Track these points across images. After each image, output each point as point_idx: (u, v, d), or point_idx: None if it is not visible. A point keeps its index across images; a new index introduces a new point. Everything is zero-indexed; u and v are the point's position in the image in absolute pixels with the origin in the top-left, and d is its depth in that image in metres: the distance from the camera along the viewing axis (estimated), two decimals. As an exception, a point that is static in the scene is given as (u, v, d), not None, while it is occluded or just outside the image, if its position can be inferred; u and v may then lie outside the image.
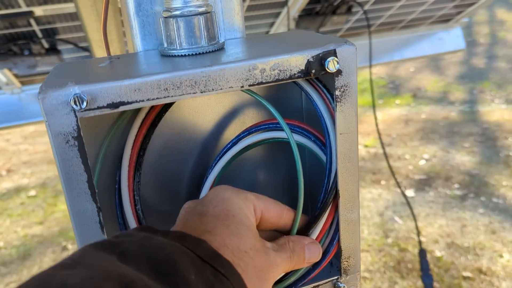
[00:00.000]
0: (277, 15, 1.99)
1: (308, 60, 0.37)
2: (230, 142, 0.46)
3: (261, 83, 0.36)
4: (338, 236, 0.42)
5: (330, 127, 0.41)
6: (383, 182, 3.65)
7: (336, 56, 0.37)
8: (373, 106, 2.33)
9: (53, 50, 1.76)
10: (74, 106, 0.31)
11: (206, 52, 0.40)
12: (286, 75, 0.37)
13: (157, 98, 0.34)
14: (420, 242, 2.40)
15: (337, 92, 0.38)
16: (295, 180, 0.43)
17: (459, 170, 3.83)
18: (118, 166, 0.44)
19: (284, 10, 1.93)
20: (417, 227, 2.25)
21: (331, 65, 0.37)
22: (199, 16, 0.40)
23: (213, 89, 0.35)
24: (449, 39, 2.77)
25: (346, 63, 0.38)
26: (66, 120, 0.32)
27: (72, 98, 0.31)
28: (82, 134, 0.32)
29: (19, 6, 1.40)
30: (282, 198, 0.55)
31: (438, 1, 2.27)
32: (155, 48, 0.45)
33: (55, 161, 0.33)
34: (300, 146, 0.44)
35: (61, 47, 1.74)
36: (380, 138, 2.00)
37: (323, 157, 0.43)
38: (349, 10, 2.04)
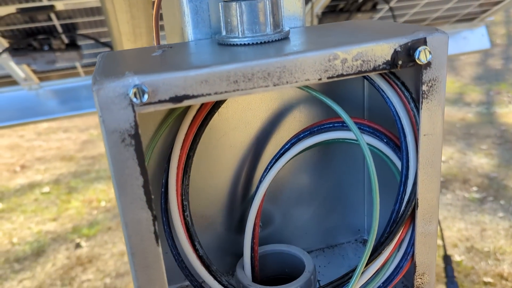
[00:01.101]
0: (300, 11, 1.94)
1: (395, 49, 0.32)
2: (288, 142, 0.41)
3: (341, 75, 0.31)
4: (412, 250, 0.38)
5: (408, 129, 0.36)
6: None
7: (427, 45, 0.32)
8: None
9: (73, 45, 1.72)
10: (134, 99, 0.27)
11: (271, 41, 0.36)
12: (370, 66, 0.32)
13: (225, 92, 0.29)
14: (444, 247, 2.34)
15: (424, 87, 0.33)
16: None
17: (477, 172, 3.76)
18: (165, 168, 0.39)
19: (308, 7, 1.88)
20: (441, 230, 2.18)
21: (423, 56, 0.32)
22: (265, 0, 0.35)
23: (287, 82, 0.30)
24: (474, 38, 2.70)
25: (436, 54, 0.33)
26: (123, 115, 0.27)
27: (132, 90, 0.27)
28: (139, 132, 0.28)
29: (40, 0, 1.37)
30: (331, 206, 0.50)
31: (463, 0, 2.21)
32: (207, 38, 0.40)
33: (108, 161, 0.28)
34: (356, 151, 0.39)
35: (81, 42, 1.71)
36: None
37: (396, 161, 0.38)
38: (374, 7, 1.98)
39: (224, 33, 0.38)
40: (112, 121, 0.27)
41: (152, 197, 0.29)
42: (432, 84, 0.33)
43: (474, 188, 3.47)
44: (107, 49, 1.75)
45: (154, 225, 0.30)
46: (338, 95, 0.45)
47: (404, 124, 0.36)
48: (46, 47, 1.68)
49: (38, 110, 2.15)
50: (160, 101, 0.28)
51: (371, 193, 0.44)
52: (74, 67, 2.02)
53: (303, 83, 0.31)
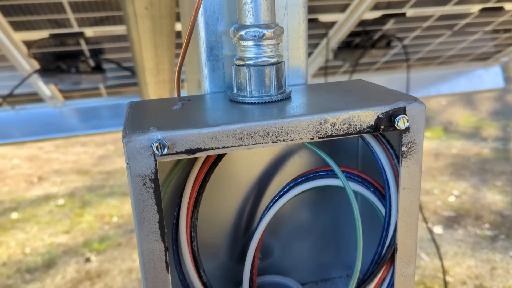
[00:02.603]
0: (315, 45, 2.02)
1: (378, 116, 0.38)
2: (287, 185, 0.47)
3: (331, 136, 0.37)
4: (392, 290, 0.42)
5: (392, 181, 0.41)
6: (411, 217, 3.57)
7: (406, 114, 0.38)
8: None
9: (98, 68, 1.82)
10: (156, 151, 0.33)
11: (275, 101, 0.42)
12: (356, 129, 0.37)
13: (231, 146, 0.35)
14: (445, 283, 2.33)
15: (403, 148, 0.39)
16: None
17: (490, 209, 3.73)
18: (177, 203, 0.45)
19: (324, 41, 1.95)
20: (443, 266, 2.18)
21: (401, 123, 0.37)
22: (271, 66, 0.41)
23: (284, 140, 0.36)
24: (488, 77, 2.74)
25: (414, 120, 0.38)
26: (146, 163, 0.33)
27: (154, 144, 0.33)
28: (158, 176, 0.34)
29: (72, 27, 1.47)
30: (326, 243, 0.55)
31: (478, 40, 2.26)
32: (221, 91, 0.47)
33: (131, 200, 0.34)
34: (356, 195, 0.44)
35: (105, 66, 1.80)
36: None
37: (381, 208, 0.43)
38: (388, 45, 2.05)
39: (235, 90, 0.44)
40: (137, 168, 0.33)
41: (165, 231, 0.35)
42: (410, 146, 0.39)
43: (487, 225, 3.44)
44: (128, 73, 1.84)
45: (165, 255, 0.36)
46: (336, 145, 0.51)
47: (389, 177, 0.42)
48: (73, 70, 1.78)
49: (61, 127, 2.24)
50: (177, 153, 0.34)
51: (363, 231, 0.49)
52: (97, 88, 2.12)
53: (297, 141, 0.36)
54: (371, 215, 0.48)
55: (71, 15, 1.37)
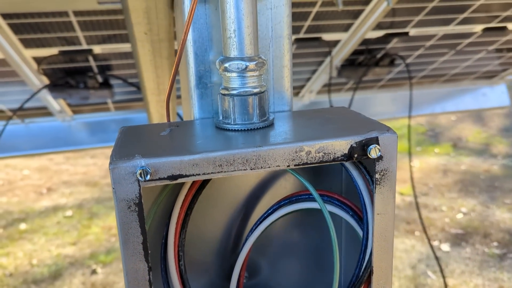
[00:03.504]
0: (320, 63, 2.05)
1: (351, 145, 0.40)
2: (271, 207, 0.49)
3: (306, 163, 0.39)
4: (369, 310, 0.44)
5: (369, 206, 0.43)
6: (417, 233, 3.55)
7: (378, 144, 0.40)
8: (409, 155, 2.31)
9: (106, 84, 1.86)
10: (140, 177, 0.36)
11: (257, 128, 0.44)
12: (330, 157, 0.40)
13: (211, 173, 0.38)
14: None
15: (377, 176, 0.41)
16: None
17: (498, 227, 3.69)
18: (166, 224, 0.47)
19: (327, 59, 1.98)
20: (446, 285, 2.17)
21: (373, 152, 0.40)
22: (253, 96, 0.44)
23: (261, 167, 0.39)
24: (493, 95, 2.74)
25: (387, 150, 0.40)
26: (130, 188, 0.36)
27: (138, 171, 0.36)
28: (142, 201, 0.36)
29: (80, 44, 1.51)
30: (312, 263, 0.57)
31: (482, 58, 2.27)
32: (210, 117, 0.49)
33: (117, 223, 0.37)
34: (337, 217, 0.46)
35: (113, 81, 1.84)
36: (413, 188, 1.98)
37: (360, 231, 0.45)
38: (391, 63, 2.07)
39: (221, 117, 0.46)
40: (122, 192, 0.36)
41: (149, 252, 0.37)
42: (384, 173, 0.41)
43: (495, 243, 3.41)
44: (134, 89, 1.88)
45: (149, 274, 0.38)
46: (321, 170, 0.53)
47: (366, 202, 0.44)
48: (81, 85, 1.83)
49: (69, 140, 2.29)
50: (159, 178, 0.36)
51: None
52: (105, 103, 2.16)
53: (274, 168, 0.39)
54: (354, 238, 0.50)
55: (80, 33, 1.42)
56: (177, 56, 0.42)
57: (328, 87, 2.21)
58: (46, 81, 1.72)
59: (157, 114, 1.07)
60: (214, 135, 0.43)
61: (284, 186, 0.53)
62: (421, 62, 2.18)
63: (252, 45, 0.44)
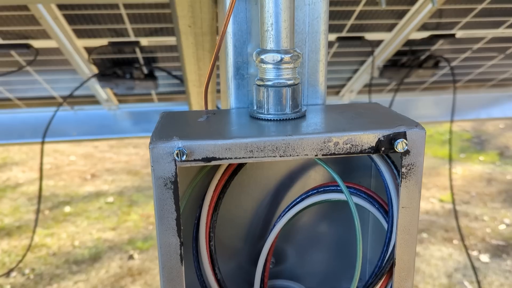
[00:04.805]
0: (362, 62, 2.03)
1: (379, 138, 0.41)
2: (299, 196, 0.51)
3: (334, 154, 0.41)
4: (390, 302, 0.45)
5: (394, 199, 0.44)
6: (455, 242, 3.45)
7: (406, 138, 0.41)
8: (450, 161, 2.25)
9: (151, 76, 1.93)
10: (176, 157, 0.39)
11: (289, 119, 0.46)
12: (357, 149, 0.41)
13: (243, 158, 0.40)
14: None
15: (403, 170, 0.42)
16: (353, 240, 0.46)
17: (543, 242, 3.53)
18: (200, 205, 0.50)
19: (370, 59, 1.96)
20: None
21: (400, 146, 0.41)
22: (287, 87, 0.46)
23: (290, 155, 0.41)
24: (545, 103, 2.62)
25: (414, 145, 0.41)
26: (167, 167, 0.39)
27: (175, 151, 0.38)
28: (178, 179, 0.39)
29: (129, 36, 1.58)
30: (338, 253, 0.58)
31: (534, 63, 2.18)
32: (245, 107, 0.52)
33: (154, 199, 0.40)
34: (364, 210, 0.48)
35: (157, 73, 1.91)
36: (452, 195, 1.94)
37: (385, 224, 0.46)
38: (436, 65, 2.03)
39: (255, 107, 0.49)
40: (160, 171, 0.39)
41: (182, 228, 0.40)
42: (410, 168, 0.42)
43: (538, 258, 3.27)
44: (178, 81, 1.94)
45: (180, 249, 0.41)
46: (351, 163, 0.54)
47: (392, 195, 0.45)
48: (128, 76, 1.90)
49: (114, 129, 2.38)
50: (194, 160, 0.39)
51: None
52: (149, 94, 2.23)
53: (303, 157, 0.40)
54: (380, 231, 0.51)
55: (128, 26, 1.48)
56: (216, 46, 0.45)
57: (369, 88, 2.19)
58: (95, 70, 1.80)
59: (197, 105, 1.11)
60: (247, 123, 0.46)
61: (314, 178, 0.55)
62: (467, 66, 2.12)
63: (288, 39, 0.46)
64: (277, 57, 0.45)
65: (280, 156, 0.41)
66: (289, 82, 0.47)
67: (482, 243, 3.50)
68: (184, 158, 0.39)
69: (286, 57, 0.46)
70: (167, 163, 0.39)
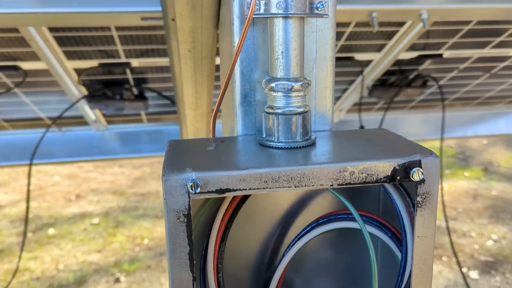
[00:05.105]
0: (351, 82, 2.05)
1: (394, 167, 0.41)
2: (309, 225, 0.50)
3: (349, 183, 0.40)
4: (405, 333, 0.44)
5: (408, 229, 0.44)
6: (444, 259, 3.45)
7: (421, 167, 0.41)
8: (440, 179, 2.26)
9: (141, 96, 1.91)
10: (190, 190, 0.37)
11: (300, 147, 0.46)
12: (373, 179, 0.41)
13: (257, 188, 0.39)
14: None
15: (418, 198, 0.41)
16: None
17: (530, 257, 3.56)
18: (207, 235, 0.49)
19: (359, 79, 1.98)
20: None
21: (416, 175, 0.40)
22: (297, 115, 0.45)
23: (305, 185, 0.40)
24: (528, 120, 2.67)
25: (429, 173, 0.41)
26: (181, 199, 0.38)
27: (189, 183, 0.37)
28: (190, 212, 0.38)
29: (119, 57, 1.57)
30: (347, 282, 0.57)
31: (518, 82, 2.23)
32: (252, 133, 0.51)
33: (166, 232, 0.38)
34: (373, 237, 0.47)
35: (147, 94, 1.89)
36: (444, 212, 1.95)
37: (398, 253, 0.45)
38: (424, 84, 2.06)
39: (264, 135, 0.48)
40: (173, 203, 0.37)
41: (194, 262, 0.39)
42: (425, 196, 0.41)
43: (526, 273, 3.29)
44: (168, 102, 1.93)
45: (193, 284, 0.39)
46: (358, 190, 0.54)
47: (405, 224, 0.44)
48: (118, 97, 1.88)
49: (102, 149, 2.35)
50: (208, 192, 0.38)
51: (381, 272, 0.51)
52: (139, 114, 2.21)
53: (318, 187, 0.40)
54: (391, 259, 0.50)
55: (120, 47, 1.47)
56: (226, 76, 0.44)
57: (359, 106, 2.21)
58: (84, 91, 1.78)
59: (192, 128, 1.10)
60: (258, 151, 0.45)
61: (322, 205, 0.54)
62: (454, 84, 2.15)
63: (298, 67, 0.45)
64: (288, 85, 0.45)
65: (295, 187, 0.40)
66: (300, 110, 0.46)
67: (471, 260, 3.52)
68: (198, 190, 0.38)
69: (297, 85, 0.45)
70: (181, 196, 0.38)
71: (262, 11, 0.43)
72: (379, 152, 0.43)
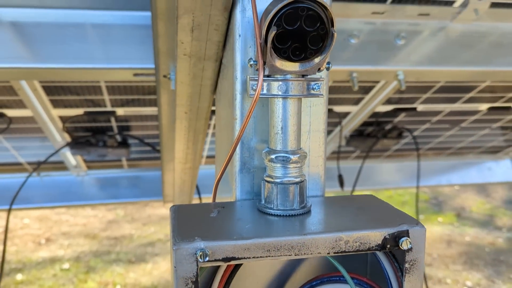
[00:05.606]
0: (329, 132, 2.12)
1: (385, 236, 0.45)
2: (302, 286, 0.52)
3: (344, 251, 0.44)
4: None
5: (397, 291, 0.47)
6: (421, 306, 3.45)
7: (409, 236, 0.45)
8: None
9: (124, 143, 1.93)
10: (199, 258, 0.40)
11: (297, 215, 0.49)
12: (366, 247, 0.44)
13: (260, 257, 0.42)
14: None
15: (406, 265, 0.45)
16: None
17: (504, 304, 3.60)
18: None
19: (337, 129, 2.06)
20: None
21: (404, 244, 0.44)
22: (295, 185, 0.49)
23: (304, 253, 0.43)
24: (499, 170, 2.79)
25: (416, 241, 0.45)
26: (189, 267, 0.40)
27: (199, 253, 0.40)
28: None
29: (105, 106, 1.59)
30: None
31: (488, 134, 2.34)
32: (250, 198, 0.54)
33: (174, 299, 0.41)
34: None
35: (130, 141, 1.91)
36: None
37: (387, 315, 0.49)
38: (399, 135, 2.14)
39: (263, 202, 0.51)
40: (182, 271, 0.40)
41: (198, 327, 0.41)
42: (413, 263, 0.45)
43: (501, 320, 3.32)
44: (149, 148, 1.95)
45: None
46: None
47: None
48: (101, 143, 1.89)
49: (80, 195, 2.32)
50: (215, 260, 0.41)
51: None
52: (120, 160, 2.22)
53: (316, 255, 0.43)
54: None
55: (106, 96, 1.50)
56: (231, 149, 0.48)
57: (337, 154, 2.27)
58: (67, 138, 1.79)
59: (179, 180, 1.13)
60: (258, 219, 0.48)
61: (314, 266, 0.57)
62: (427, 135, 2.25)
63: (295, 140, 0.50)
64: (286, 157, 0.49)
65: (295, 255, 0.43)
66: (297, 180, 0.50)
67: (447, 307, 3.53)
68: (207, 259, 0.41)
69: (295, 157, 0.49)
70: (190, 264, 0.41)
71: (265, 91, 0.48)
72: (371, 222, 0.47)
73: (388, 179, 2.68)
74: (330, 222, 0.47)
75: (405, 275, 0.45)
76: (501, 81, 1.65)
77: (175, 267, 0.40)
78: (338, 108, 1.82)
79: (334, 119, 1.95)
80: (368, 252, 0.45)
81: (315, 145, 0.55)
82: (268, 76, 0.47)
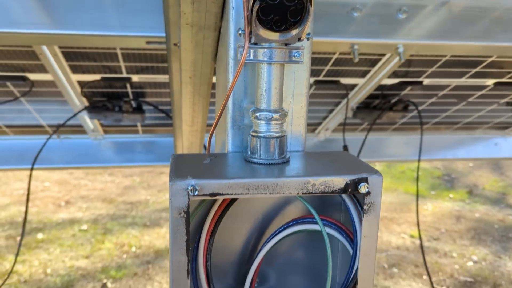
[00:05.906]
0: (337, 104, 2.18)
1: (346, 182, 0.53)
2: (281, 226, 0.62)
3: (311, 193, 0.53)
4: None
5: (358, 230, 0.56)
6: (425, 277, 3.55)
7: (367, 182, 0.53)
8: (417, 198, 2.38)
9: (139, 109, 2.02)
10: (190, 192, 0.50)
11: (276, 163, 0.58)
12: (330, 190, 0.53)
13: (241, 194, 0.51)
14: None
15: (365, 207, 0.54)
16: (326, 264, 0.57)
17: (509, 278, 3.65)
18: (199, 231, 0.61)
19: (344, 101, 2.11)
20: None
21: (363, 189, 0.53)
22: (275, 139, 0.58)
23: (278, 193, 0.52)
24: (506, 146, 2.80)
25: (374, 188, 0.53)
26: (182, 200, 0.50)
27: (189, 188, 0.50)
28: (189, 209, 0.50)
29: (121, 73, 1.68)
30: (311, 277, 0.69)
31: (495, 110, 2.35)
32: (240, 151, 0.63)
33: (169, 224, 0.50)
34: (334, 239, 0.59)
35: (145, 107, 2.01)
36: (419, 231, 2.06)
37: (351, 250, 0.58)
38: (405, 108, 2.18)
39: (249, 153, 0.61)
40: (176, 202, 0.49)
41: (190, 248, 0.51)
42: (370, 205, 0.54)
43: (504, 294, 3.39)
44: (163, 115, 2.04)
45: (188, 265, 0.51)
46: (326, 201, 0.66)
47: (357, 227, 0.56)
48: (117, 108, 1.99)
49: (97, 158, 2.44)
50: (204, 194, 0.50)
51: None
52: (135, 125, 2.32)
53: (287, 194, 0.52)
54: (347, 256, 0.62)
55: (122, 63, 1.59)
56: (222, 106, 0.57)
57: (343, 126, 2.33)
58: (85, 102, 1.89)
59: (187, 142, 1.22)
60: (243, 166, 0.57)
61: (294, 211, 0.66)
62: (434, 110, 2.28)
63: (277, 101, 0.58)
64: (269, 115, 0.58)
65: (270, 193, 0.52)
66: (277, 135, 0.59)
67: (450, 279, 3.61)
68: (196, 193, 0.50)
69: (276, 115, 0.58)
70: (182, 197, 0.50)
71: (252, 57, 0.56)
72: (337, 170, 0.55)
73: (394, 151, 2.72)
74: (303, 170, 0.56)
75: (363, 215, 0.54)
76: (507, 56, 1.68)
77: (170, 199, 0.50)
78: (345, 80, 1.87)
79: (341, 91, 2.00)
80: (332, 194, 0.54)
81: (297, 106, 0.63)
82: (255, 44, 0.55)
